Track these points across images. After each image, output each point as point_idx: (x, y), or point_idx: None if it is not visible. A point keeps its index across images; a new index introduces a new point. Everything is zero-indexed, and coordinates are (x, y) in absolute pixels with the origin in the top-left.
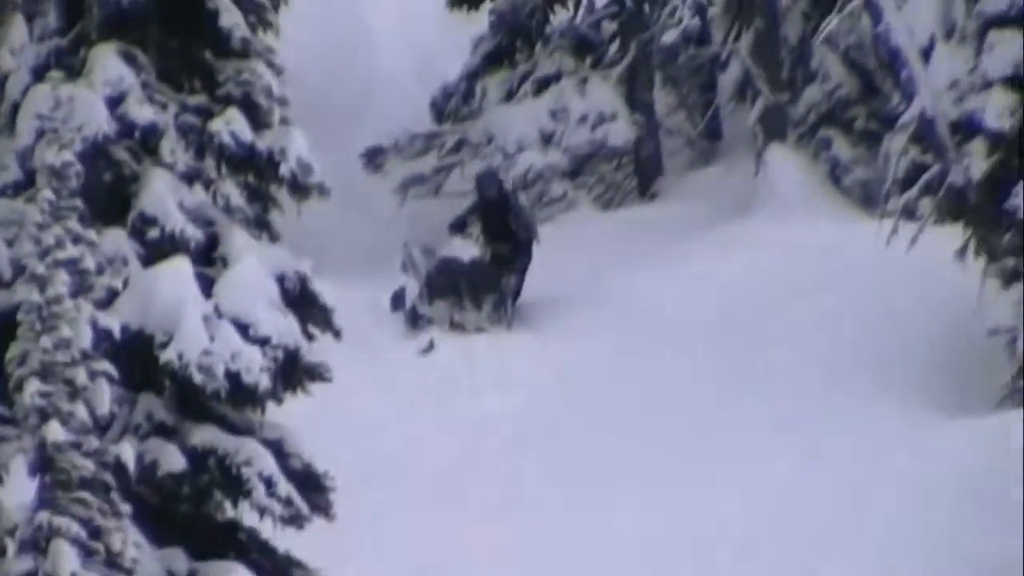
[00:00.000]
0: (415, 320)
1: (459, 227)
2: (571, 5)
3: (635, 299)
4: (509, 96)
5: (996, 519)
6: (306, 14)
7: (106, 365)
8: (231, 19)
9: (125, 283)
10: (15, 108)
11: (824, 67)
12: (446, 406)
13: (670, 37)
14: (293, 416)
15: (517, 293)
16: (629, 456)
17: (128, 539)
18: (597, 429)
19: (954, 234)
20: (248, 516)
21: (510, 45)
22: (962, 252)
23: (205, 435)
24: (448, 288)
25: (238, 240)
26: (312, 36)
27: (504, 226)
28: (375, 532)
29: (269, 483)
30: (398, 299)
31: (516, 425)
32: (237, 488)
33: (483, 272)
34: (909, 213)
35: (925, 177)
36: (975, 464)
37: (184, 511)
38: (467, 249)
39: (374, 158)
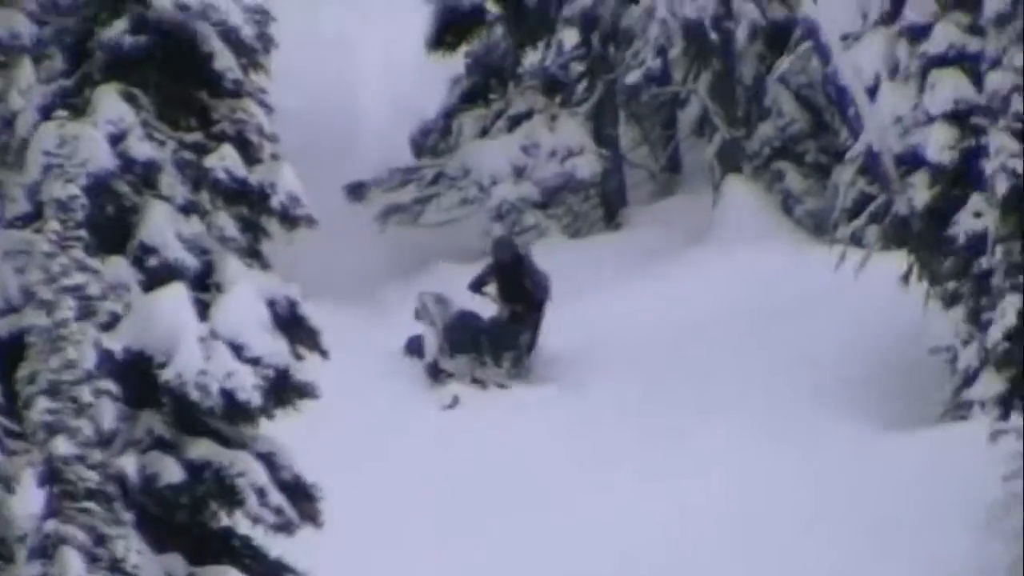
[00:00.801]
0: (436, 374)
1: (476, 287)
2: (541, 47)
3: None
4: (483, 132)
5: (932, 522)
6: (293, 56)
7: (109, 384)
8: (224, 62)
9: (126, 308)
10: (24, 145)
11: (777, 104)
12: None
13: (633, 77)
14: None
15: (531, 348)
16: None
17: (131, 546)
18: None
19: (898, 260)
20: (242, 524)
21: (484, 85)
22: (906, 277)
23: (201, 449)
24: (468, 344)
25: (231, 267)
26: (300, 77)
27: (520, 287)
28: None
29: (261, 493)
30: (414, 346)
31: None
32: (231, 498)
33: (502, 330)
34: (856, 240)
35: (871, 207)
36: (917, 472)
37: (182, 519)
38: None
39: (356, 191)
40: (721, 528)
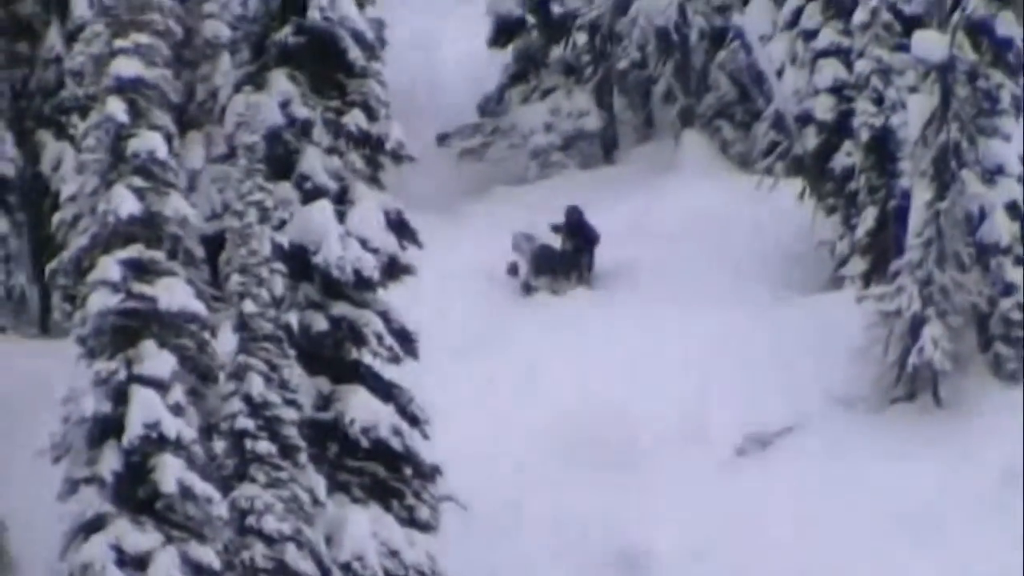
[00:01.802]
0: (528, 289)
1: (557, 229)
2: (563, 44)
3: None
4: (525, 100)
5: (820, 353)
6: (398, 50)
7: (280, 265)
8: (355, 54)
9: (291, 216)
10: (223, 109)
11: (717, 82)
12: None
13: (623, 64)
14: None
15: (590, 269)
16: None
17: (293, 371)
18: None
19: (796, 184)
20: (366, 357)
21: (525, 69)
22: (801, 195)
23: (340, 308)
24: (547, 268)
25: (359, 189)
26: (403, 63)
27: (581, 233)
28: None
29: (379, 337)
30: (513, 269)
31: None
32: (359, 340)
33: (570, 257)
34: (768, 171)
35: (778, 149)
36: (812, 321)
37: (327, 354)
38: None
39: (442, 139)
40: (674, 355)
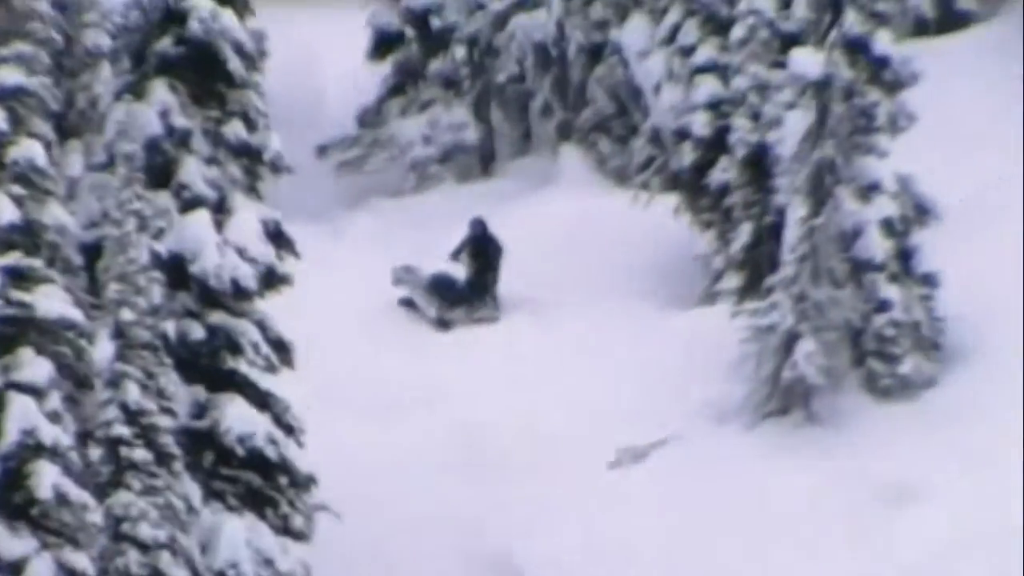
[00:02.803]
0: (445, 324)
1: (456, 255)
2: (441, 58)
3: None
4: (403, 113)
5: (695, 367)
6: (279, 59)
7: (157, 274)
8: (235, 65)
9: (169, 225)
10: (103, 117)
11: (594, 97)
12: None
13: (501, 78)
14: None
15: (495, 284)
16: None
17: (170, 379)
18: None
19: (673, 199)
20: (242, 366)
21: (404, 82)
22: (677, 210)
23: (217, 317)
24: (455, 297)
25: (237, 199)
26: (282, 74)
27: (484, 249)
28: None
29: (255, 346)
30: (410, 304)
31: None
32: (236, 349)
33: (472, 287)
34: (645, 186)
35: (655, 165)
36: (687, 335)
37: (204, 362)
38: (457, 268)
39: (321, 150)
40: (550, 370)
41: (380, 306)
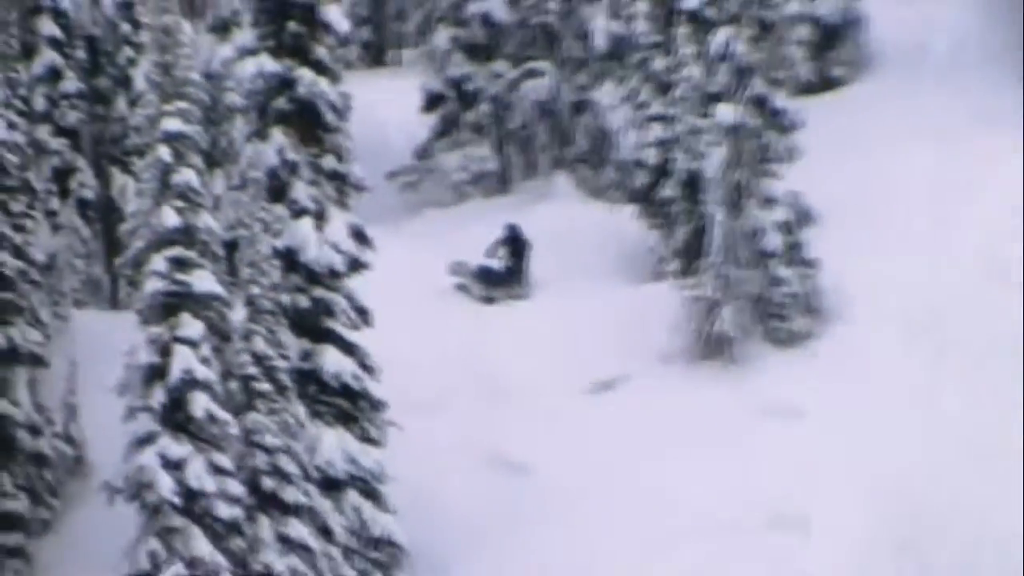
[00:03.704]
0: (489, 300)
1: (492, 252)
2: (472, 111)
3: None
4: (446, 149)
5: (644, 325)
6: (361, 114)
7: (276, 262)
8: (329, 117)
9: (284, 227)
10: (237, 153)
11: (578, 138)
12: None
13: (514, 125)
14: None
15: (524, 277)
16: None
17: (285, 334)
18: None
19: (633, 208)
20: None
21: (447, 128)
22: (635, 216)
23: (318, 291)
24: (493, 283)
25: (332, 210)
26: (362, 123)
27: (518, 246)
28: None
29: (344, 312)
30: (463, 288)
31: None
32: (331, 313)
33: (509, 273)
34: (613, 199)
35: (620, 184)
36: (643, 302)
37: (309, 323)
38: (494, 263)
39: (391, 175)
40: (547, 328)
41: (438, 288)
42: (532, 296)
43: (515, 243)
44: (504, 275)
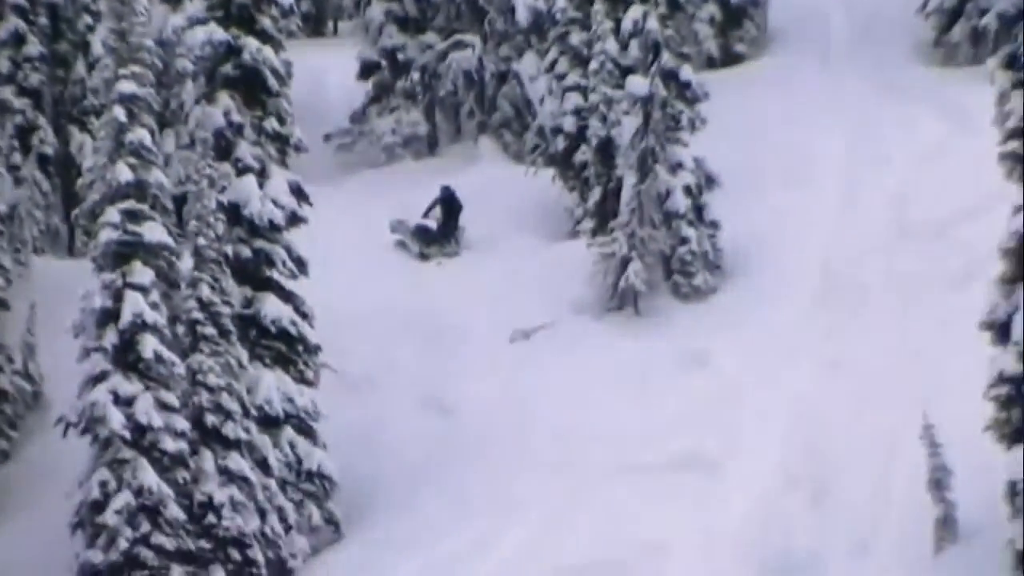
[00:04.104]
0: (424, 257)
1: (427, 212)
2: (404, 79)
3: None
4: (379, 114)
5: (563, 277)
6: (300, 80)
7: (221, 215)
8: (272, 82)
9: (229, 183)
10: (187, 115)
11: (501, 105)
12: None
13: (442, 92)
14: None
15: (456, 237)
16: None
17: (229, 283)
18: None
19: (550, 172)
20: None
21: (380, 94)
22: (554, 179)
23: (259, 243)
24: (429, 240)
25: (273, 169)
26: (302, 88)
27: (451, 208)
28: None
29: (283, 262)
30: (402, 244)
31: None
32: (271, 263)
33: (443, 231)
34: (533, 163)
35: (540, 150)
36: (560, 258)
37: (250, 272)
38: (430, 222)
39: (328, 138)
40: (474, 283)
41: (379, 244)
42: (463, 253)
43: (450, 204)
44: (438, 233)
